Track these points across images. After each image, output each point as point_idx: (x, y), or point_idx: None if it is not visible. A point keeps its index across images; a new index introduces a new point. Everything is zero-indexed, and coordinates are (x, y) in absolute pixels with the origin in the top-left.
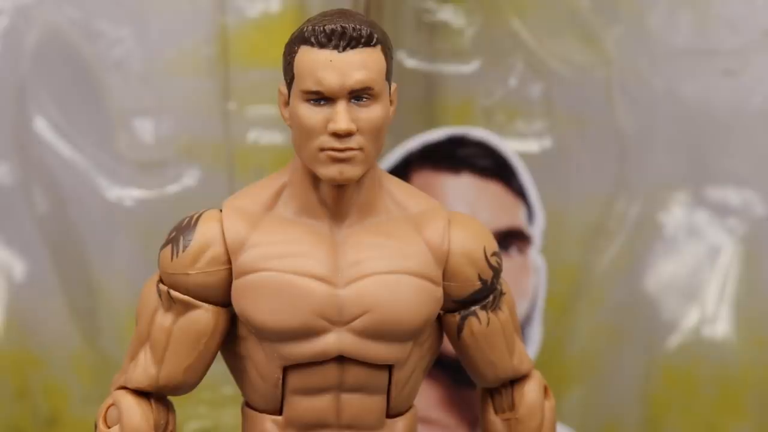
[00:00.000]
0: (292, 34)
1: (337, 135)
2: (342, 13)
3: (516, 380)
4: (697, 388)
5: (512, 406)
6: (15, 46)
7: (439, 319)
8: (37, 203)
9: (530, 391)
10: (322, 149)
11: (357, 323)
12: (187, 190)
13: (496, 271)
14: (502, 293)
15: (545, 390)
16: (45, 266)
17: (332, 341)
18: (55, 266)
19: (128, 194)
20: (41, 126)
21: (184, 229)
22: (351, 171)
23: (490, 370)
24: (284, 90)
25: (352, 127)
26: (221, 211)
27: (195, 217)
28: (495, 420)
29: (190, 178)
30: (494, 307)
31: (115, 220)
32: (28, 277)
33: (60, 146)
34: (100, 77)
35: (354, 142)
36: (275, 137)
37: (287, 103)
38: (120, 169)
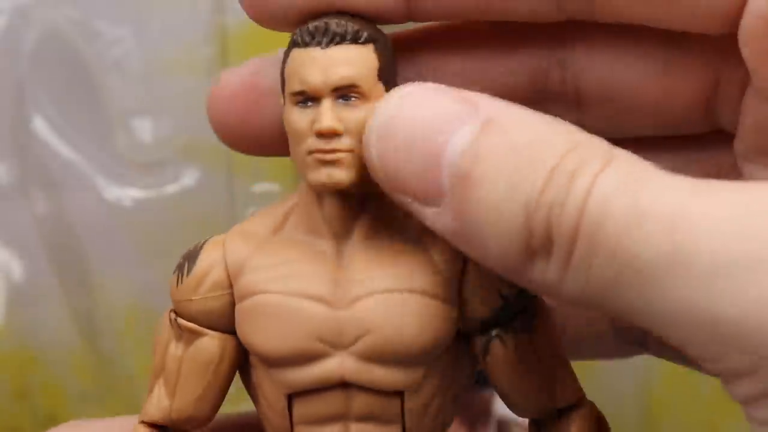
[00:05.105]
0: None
1: (322, 135)
2: (334, 14)
3: (564, 411)
4: (697, 388)
5: None
6: (13, 46)
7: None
8: (36, 203)
9: (577, 425)
10: (310, 152)
11: (358, 345)
12: (186, 190)
13: (520, 289)
14: (534, 315)
15: (600, 421)
16: (44, 266)
17: (333, 366)
18: (54, 266)
19: (127, 194)
20: (40, 126)
21: (189, 255)
22: (339, 174)
23: (522, 399)
24: (281, 101)
25: (337, 125)
26: None
27: (201, 243)
28: None
29: (189, 178)
30: (524, 329)
31: (114, 220)
32: (27, 277)
33: (59, 146)
34: (98, 77)
35: (342, 143)
36: None
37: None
38: (119, 169)
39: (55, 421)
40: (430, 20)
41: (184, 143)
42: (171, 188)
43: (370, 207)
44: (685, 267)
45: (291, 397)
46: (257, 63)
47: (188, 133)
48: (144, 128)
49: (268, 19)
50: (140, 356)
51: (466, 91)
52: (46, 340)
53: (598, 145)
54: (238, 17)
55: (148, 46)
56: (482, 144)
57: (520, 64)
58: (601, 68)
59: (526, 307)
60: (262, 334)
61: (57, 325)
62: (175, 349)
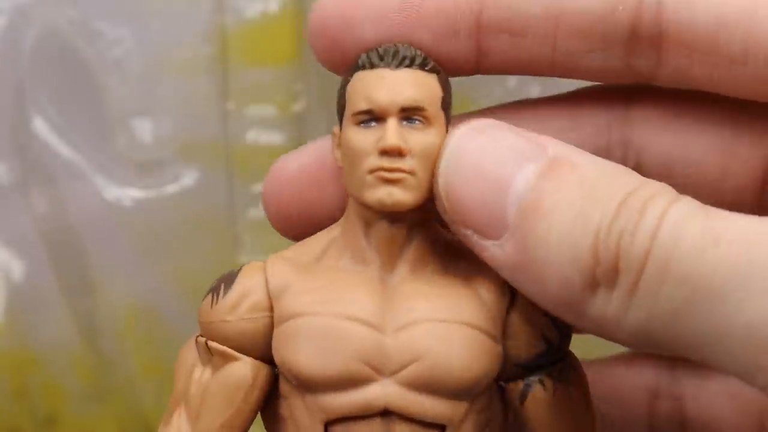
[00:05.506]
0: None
1: (387, 153)
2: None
3: None
4: None
5: None
6: (14, 46)
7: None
8: (36, 203)
9: None
10: (371, 171)
11: (405, 373)
12: (185, 190)
13: (564, 335)
14: (571, 367)
15: None
16: (44, 266)
17: (377, 392)
18: (54, 266)
19: (127, 194)
20: (40, 126)
21: (225, 278)
22: (400, 195)
23: None
24: (337, 131)
25: (403, 144)
26: None
27: (239, 268)
28: None
29: (188, 178)
30: (563, 378)
31: (113, 220)
32: (27, 277)
33: (59, 146)
34: (98, 77)
35: (405, 163)
36: (274, 137)
37: (340, 144)
38: (118, 169)
39: (55, 421)
40: (497, 73)
41: (184, 143)
42: (171, 188)
43: (417, 238)
44: (764, 279)
45: (327, 427)
46: (314, 152)
47: (188, 133)
48: (144, 128)
49: (341, 67)
50: (140, 356)
51: (534, 133)
52: (46, 340)
53: (666, 186)
54: (238, 17)
55: (148, 46)
56: (551, 178)
57: (582, 143)
58: (662, 146)
59: (564, 357)
60: (305, 356)
61: (57, 325)
62: (201, 374)
